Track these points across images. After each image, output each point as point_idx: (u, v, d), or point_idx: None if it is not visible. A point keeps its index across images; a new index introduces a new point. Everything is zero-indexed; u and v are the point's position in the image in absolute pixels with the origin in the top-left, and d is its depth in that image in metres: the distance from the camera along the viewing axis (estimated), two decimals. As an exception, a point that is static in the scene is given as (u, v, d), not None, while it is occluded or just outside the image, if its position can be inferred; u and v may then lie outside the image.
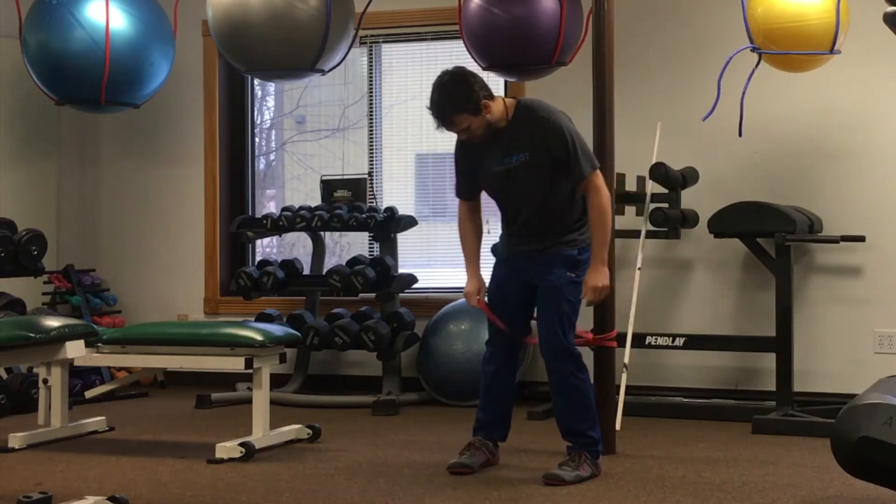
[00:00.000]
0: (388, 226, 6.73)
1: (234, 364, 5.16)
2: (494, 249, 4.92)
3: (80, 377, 6.72)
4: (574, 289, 4.61)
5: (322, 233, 7.06)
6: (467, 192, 4.81)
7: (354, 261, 6.79)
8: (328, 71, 6.05)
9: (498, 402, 4.82)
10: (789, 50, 5.56)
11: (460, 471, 4.64)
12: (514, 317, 4.75)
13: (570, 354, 4.65)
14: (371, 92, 7.34)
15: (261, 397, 5.16)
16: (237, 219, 7.10)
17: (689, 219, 6.30)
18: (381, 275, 6.58)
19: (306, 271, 7.07)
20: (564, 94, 6.50)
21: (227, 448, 4.96)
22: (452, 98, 4.50)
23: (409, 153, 7.50)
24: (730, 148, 6.32)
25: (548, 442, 5.35)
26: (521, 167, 4.58)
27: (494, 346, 4.81)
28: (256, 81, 7.62)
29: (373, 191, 7.10)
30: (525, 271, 4.70)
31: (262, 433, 5.15)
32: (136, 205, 7.59)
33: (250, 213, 7.48)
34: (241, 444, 4.97)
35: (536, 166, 4.57)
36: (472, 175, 4.74)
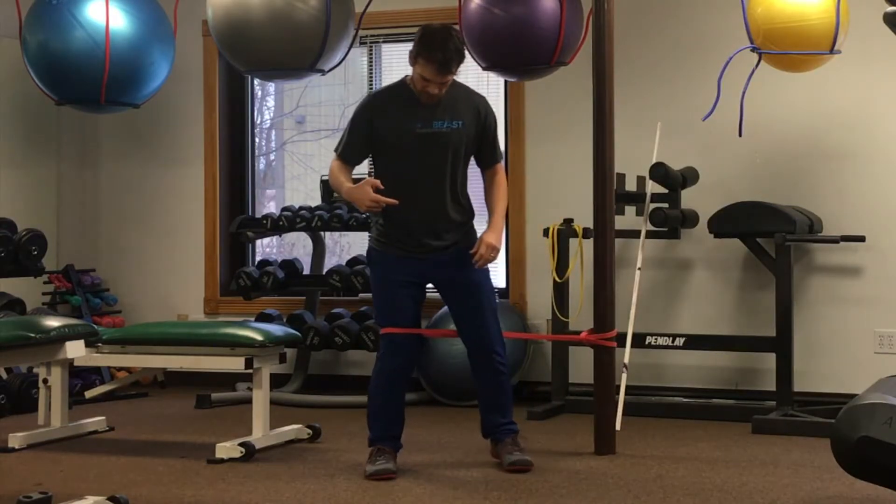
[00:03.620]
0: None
1: (234, 364, 5.16)
2: (372, 252, 4.79)
3: (80, 377, 6.72)
4: (489, 279, 4.82)
5: (322, 233, 7.06)
6: (355, 156, 4.74)
7: (354, 261, 6.80)
8: (328, 71, 6.04)
9: (400, 412, 4.79)
10: (789, 50, 5.56)
11: (387, 476, 4.58)
12: (413, 320, 4.75)
13: (505, 348, 4.82)
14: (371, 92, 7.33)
15: (261, 397, 5.16)
16: (237, 219, 7.11)
17: (689, 219, 6.30)
18: (381, 275, 6.57)
19: (306, 271, 7.07)
20: (564, 94, 6.54)
21: (227, 448, 4.96)
22: (460, 51, 4.57)
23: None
24: (730, 148, 6.32)
25: (548, 442, 5.36)
26: (452, 133, 4.62)
27: (396, 352, 4.73)
28: (256, 81, 7.62)
29: (373, 191, 7.09)
30: (424, 273, 4.72)
31: (262, 433, 5.15)
32: (136, 205, 7.59)
33: (250, 213, 7.48)
34: (241, 444, 4.97)
35: (465, 137, 4.66)
36: (368, 140, 4.67)
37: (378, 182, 4.54)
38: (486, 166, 4.82)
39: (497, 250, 4.66)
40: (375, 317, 4.97)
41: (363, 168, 7.28)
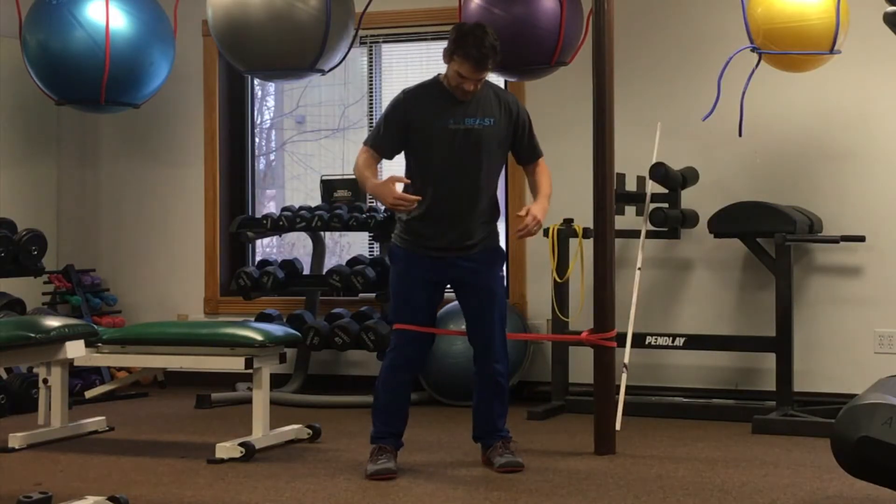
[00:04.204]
0: (388, 226, 6.71)
1: (234, 364, 5.16)
2: (394, 249, 4.77)
3: (80, 377, 6.72)
4: (503, 286, 4.87)
5: (322, 233, 7.06)
6: (386, 150, 4.71)
7: (354, 261, 6.80)
8: (328, 71, 6.05)
9: (405, 409, 4.79)
10: (789, 50, 5.56)
11: (388, 476, 4.58)
12: (427, 318, 4.74)
13: (508, 359, 4.84)
14: (371, 92, 7.34)
15: (261, 397, 5.16)
16: (237, 219, 7.11)
17: (689, 219, 6.30)
18: (381, 275, 6.58)
19: (306, 271, 7.07)
20: (564, 94, 6.54)
21: (227, 448, 4.96)
22: (495, 48, 4.58)
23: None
24: (730, 148, 6.32)
25: (548, 442, 5.36)
26: (484, 130, 4.64)
27: (406, 349, 4.71)
28: (256, 81, 7.62)
29: (373, 191, 7.08)
30: (444, 273, 4.72)
31: (262, 433, 5.15)
32: (136, 205, 7.59)
33: (250, 213, 7.48)
34: (241, 444, 4.97)
35: (498, 134, 4.68)
36: (401, 136, 4.66)
37: (402, 177, 4.57)
38: (528, 162, 4.84)
39: (540, 224, 4.65)
40: (390, 312, 4.97)
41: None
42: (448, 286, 4.84)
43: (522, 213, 4.64)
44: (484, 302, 4.74)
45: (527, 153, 4.83)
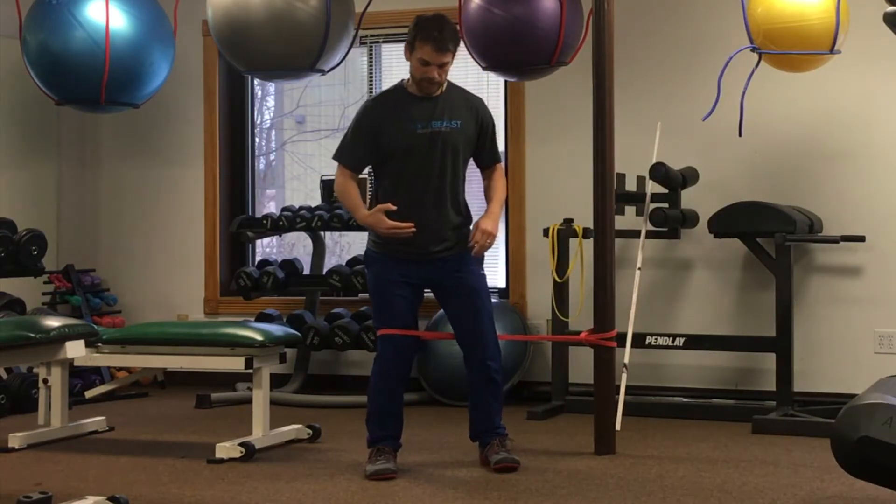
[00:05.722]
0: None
1: (234, 364, 5.16)
2: (370, 254, 4.79)
3: (80, 377, 6.72)
4: (487, 284, 4.87)
5: (322, 233, 7.06)
6: (360, 161, 4.74)
7: (354, 261, 6.80)
8: (328, 71, 6.04)
9: (399, 413, 4.78)
10: (789, 50, 5.56)
11: (388, 476, 4.58)
12: (410, 321, 4.74)
13: (500, 354, 4.83)
14: (371, 92, 7.33)
15: (261, 397, 5.16)
16: (237, 219, 7.10)
17: (689, 219, 6.30)
18: (381, 275, 6.58)
19: (306, 271, 7.07)
20: (564, 94, 6.54)
21: (227, 448, 4.96)
22: (455, 32, 4.66)
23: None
24: (730, 148, 6.32)
25: (548, 442, 5.36)
26: (451, 133, 4.66)
27: (394, 353, 4.70)
28: (256, 81, 7.62)
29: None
30: (421, 276, 4.71)
31: (262, 433, 5.16)
32: (136, 205, 7.59)
33: (250, 213, 7.48)
34: (241, 444, 4.97)
35: (464, 137, 4.70)
36: (372, 144, 4.67)
37: (390, 205, 4.59)
38: (486, 166, 4.86)
39: (493, 236, 4.67)
40: (373, 318, 4.97)
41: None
42: (427, 289, 4.84)
43: (471, 237, 4.66)
44: (470, 301, 4.74)
45: (487, 157, 4.84)
